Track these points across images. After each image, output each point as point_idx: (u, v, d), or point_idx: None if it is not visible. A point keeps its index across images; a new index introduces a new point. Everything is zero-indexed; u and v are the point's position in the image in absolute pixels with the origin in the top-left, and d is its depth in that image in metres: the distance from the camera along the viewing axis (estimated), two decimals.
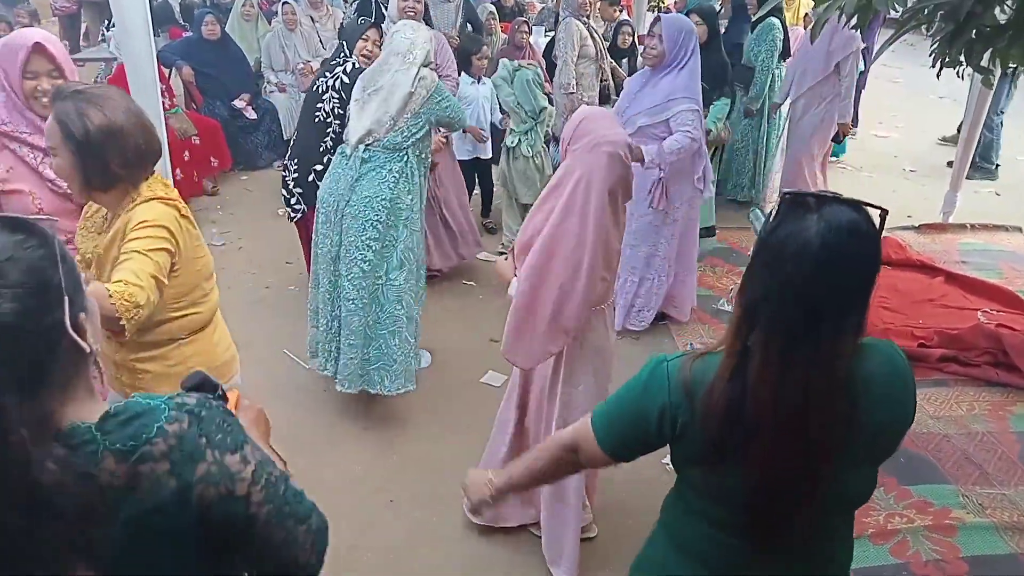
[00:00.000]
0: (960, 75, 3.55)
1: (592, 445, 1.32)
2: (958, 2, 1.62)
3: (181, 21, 7.70)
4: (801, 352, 1.09)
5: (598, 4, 6.17)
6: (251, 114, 5.96)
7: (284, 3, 6.49)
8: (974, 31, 2.38)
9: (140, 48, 3.46)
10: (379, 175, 3.02)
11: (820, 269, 1.07)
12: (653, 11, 8.80)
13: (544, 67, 6.63)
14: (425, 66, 3.13)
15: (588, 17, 5.64)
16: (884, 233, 1.15)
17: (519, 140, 4.59)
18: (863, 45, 5.02)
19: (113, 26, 6.48)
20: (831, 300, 1.09)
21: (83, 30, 9.45)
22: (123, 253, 1.66)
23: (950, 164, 5.86)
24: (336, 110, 3.55)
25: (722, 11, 6.30)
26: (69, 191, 1.94)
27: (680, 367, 1.21)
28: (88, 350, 0.89)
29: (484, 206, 5.38)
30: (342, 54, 3.66)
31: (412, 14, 4.24)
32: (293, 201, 3.79)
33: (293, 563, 0.99)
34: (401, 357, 3.11)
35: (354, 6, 5.21)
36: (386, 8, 5.06)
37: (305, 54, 6.28)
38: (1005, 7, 2.05)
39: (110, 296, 1.54)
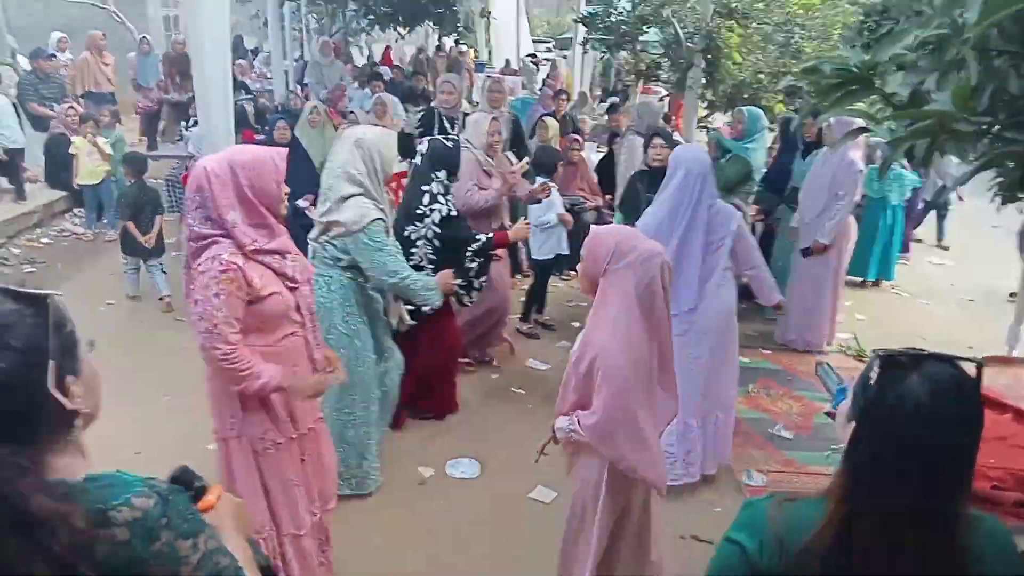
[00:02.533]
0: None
1: None
2: None
3: (254, 124, 8.14)
4: (919, 517, 1.06)
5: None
6: (313, 213, 6.18)
7: (351, 112, 6.87)
8: None
9: (221, 147, 3.69)
10: (317, 280, 3.03)
11: (938, 430, 1.06)
12: (703, 130, 9.06)
13: (595, 182, 6.83)
14: (360, 195, 3.02)
15: None
16: None
17: None
18: (862, 170, 4.99)
19: (194, 125, 6.90)
20: (948, 461, 1.07)
21: (161, 128, 10.06)
22: None
23: (1012, 296, 5.76)
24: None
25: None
26: (298, 283, 2.30)
27: (768, 509, 1.18)
28: (71, 408, 0.99)
29: (540, 303, 5.44)
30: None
31: (496, 138, 4.42)
32: None
33: None
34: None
35: (418, 117, 5.46)
36: (447, 122, 5.31)
37: None
38: None
39: None
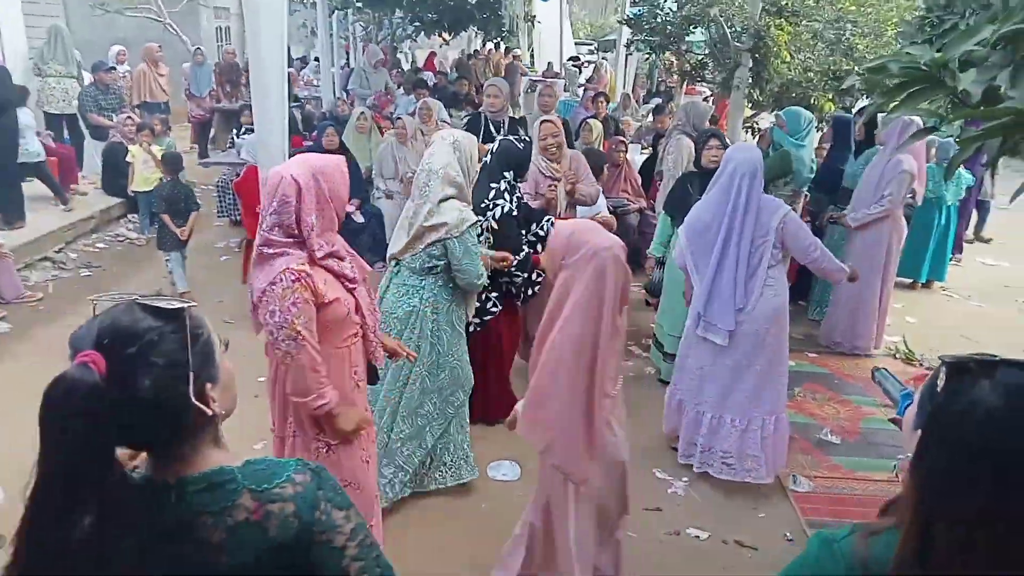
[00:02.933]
0: None
1: None
2: None
3: (302, 131, 8.32)
4: (989, 520, 1.02)
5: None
6: (359, 217, 6.29)
7: (398, 119, 6.96)
8: None
9: (276, 153, 3.79)
10: (399, 291, 3.14)
11: (1011, 434, 1.02)
12: (747, 131, 8.94)
13: (639, 183, 6.81)
14: (454, 197, 3.05)
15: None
16: None
17: None
18: (908, 170, 4.88)
19: (245, 133, 7.09)
20: (1021, 465, 1.01)
21: (211, 136, 10.35)
22: None
23: None
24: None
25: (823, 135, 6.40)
26: (356, 283, 2.33)
27: (854, 547, 1.13)
28: (211, 413, 1.08)
29: None
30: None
31: (550, 140, 4.39)
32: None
33: None
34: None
35: (464, 122, 5.51)
36: (493, 126, 5.35)
37: (415, 165, 6.64)
38: None
39: None
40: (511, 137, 3.74)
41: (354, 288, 2.37)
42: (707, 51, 9.16)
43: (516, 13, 10.39)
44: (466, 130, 5.39)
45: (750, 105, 9.27)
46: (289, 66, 12.01)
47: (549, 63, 15.73)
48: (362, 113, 7.35)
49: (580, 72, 13.14)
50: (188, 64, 10.66)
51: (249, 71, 4.03)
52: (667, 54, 9.56)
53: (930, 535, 1.05)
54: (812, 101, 8.48)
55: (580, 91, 11.12)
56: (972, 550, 1.02)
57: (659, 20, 9.05)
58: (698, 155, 4.36)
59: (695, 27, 9.05)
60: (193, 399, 1.04)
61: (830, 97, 8.40)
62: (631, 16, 9.54)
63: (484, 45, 12.48)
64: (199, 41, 12.71)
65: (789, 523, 3.33)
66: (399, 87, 9.83)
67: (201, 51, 10.85)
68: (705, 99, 11.77)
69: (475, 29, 10.56)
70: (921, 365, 4.97)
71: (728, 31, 8.40)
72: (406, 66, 13.35)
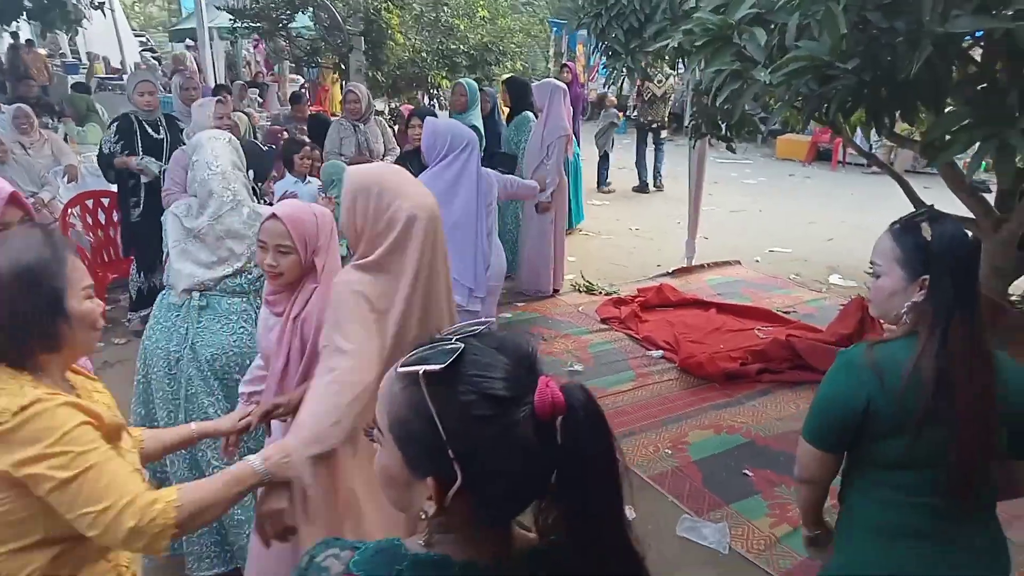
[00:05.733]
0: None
1: (806, 452, 1.58)
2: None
3: None
4: (980, 331, 1.47)
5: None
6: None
7: None
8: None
9: None
10: (222, 325, 2.65)
11: (972, 249, 1.53)
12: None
13: None
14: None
15: (362, 120, 5.73)
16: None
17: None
18: (568, 133, 5.68)
19: None
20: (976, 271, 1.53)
21: None
22: None
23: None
24: None
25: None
26: None
27: (863, 354, 1.51)
28: None
29: None
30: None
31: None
32: None
33: None
34: None
35: (113, 127, 4.69)
36: (150, 127, 4.66)
37: (29, 186, 5.39)
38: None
39: None
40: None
41: None
42: (317, 36, 9.11)
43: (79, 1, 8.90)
44: (115, 134, 4.63)
45: (368, 86, 9.53)
46: None
47: (105, 58, 13.83)
48: None
49: (160, 64, 11.86)
50: None
51: None
52: (275, 41, 9.22)
53: (946, 332, 1.46)
54: (429, 79, 9.07)
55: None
56: (974, 331, 1.47)
57: (261, 4, 8.69)
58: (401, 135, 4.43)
59: (299, 11, 8.90)
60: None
61: (444, 75, 9.11)
62: (234, 2, 8.94)
63: (45, 37, 10.39)
64: None
65: None
66: None
67: None
68: (302, 87, 11.67)
69: (27, 20, 8.73)
70: (601, 292, 5.86)
71: (337, 15, 8.47)
72: None
